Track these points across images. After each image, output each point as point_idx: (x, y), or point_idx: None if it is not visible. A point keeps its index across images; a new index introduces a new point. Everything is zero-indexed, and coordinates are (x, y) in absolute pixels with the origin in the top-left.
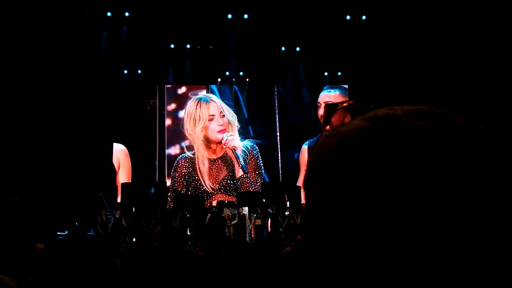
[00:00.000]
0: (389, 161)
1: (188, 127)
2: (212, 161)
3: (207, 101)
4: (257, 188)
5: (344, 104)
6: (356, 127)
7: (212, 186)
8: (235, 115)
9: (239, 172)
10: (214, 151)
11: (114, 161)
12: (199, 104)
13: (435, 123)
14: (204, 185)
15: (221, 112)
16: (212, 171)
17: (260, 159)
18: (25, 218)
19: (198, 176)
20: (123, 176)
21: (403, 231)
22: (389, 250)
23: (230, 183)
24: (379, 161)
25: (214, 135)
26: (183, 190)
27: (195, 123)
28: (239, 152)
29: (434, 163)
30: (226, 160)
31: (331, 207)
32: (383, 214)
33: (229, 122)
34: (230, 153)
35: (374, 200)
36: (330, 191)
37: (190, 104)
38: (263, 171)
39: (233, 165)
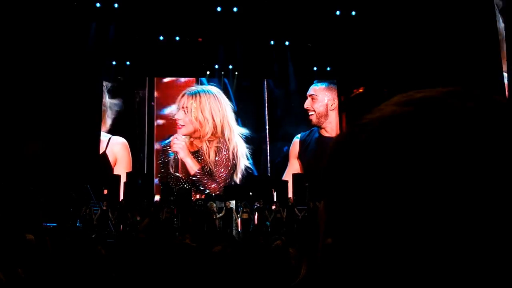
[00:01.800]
0: (444, 147)
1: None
2: (191, 153)
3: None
4: (220, 181)
5: (360, 91)
6: (392, 113)
7: (184, 180)
8: (208, 122)
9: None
10: (192, 144)
11: (110, 154)
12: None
13: (481, 104)
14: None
15: (186, 107)
16: (184, 165)
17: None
18: (17, 209)
19: (173, 169)
20: (121, 169)
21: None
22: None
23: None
24: (432, 149)
25: None
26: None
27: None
28: (179, 156)
29: (493, 145)
30: (199, 154)
31: (371, 207)
32: (443, 206)
33: (200, 124)
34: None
35: (429, 192)
36: (367, 189)
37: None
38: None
39: (205, 160)
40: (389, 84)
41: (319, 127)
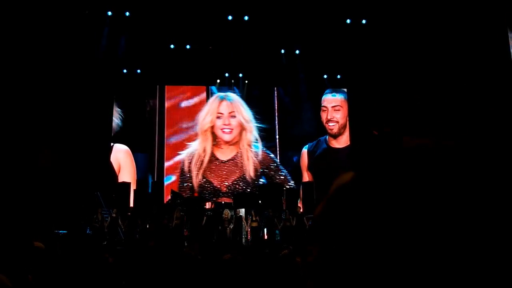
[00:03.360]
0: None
1: (199, 118)
2: (222, 162)
3: (221, 98)
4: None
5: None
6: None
7: (219, 189)
8: (253, 121)
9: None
10: (224, 152)
11: (114, 161)
12: (215, 100)
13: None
14: (210, 185)
15: (231, 112)
16: (221, 172)
17: (275, 158)
18: (26, 215)
19: (205, 175)
20: (125, 176)
21: None
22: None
23: (240, 187)
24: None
25: (219, 133)
26: (188, 188)
27: (204, 116)
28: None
29: None
30: (236, 163)
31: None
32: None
33: (241, 126)
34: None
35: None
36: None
37: (211, 98)
38: (279, 167)
39: (245, 168)
40: (399, 92)
41: (334, 136)
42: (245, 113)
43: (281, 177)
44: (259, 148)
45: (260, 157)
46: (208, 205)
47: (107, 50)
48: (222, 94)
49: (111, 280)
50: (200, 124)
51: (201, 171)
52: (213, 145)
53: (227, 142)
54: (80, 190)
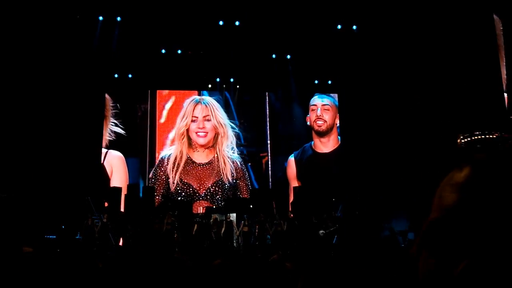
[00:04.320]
0: None
1: (177, 122)
2: (199, 165)
3: (196, 101)
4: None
5: None
6: None
7: (198, 191)
8: (227, 126)
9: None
10: (200, 155)
11: (107, 167)
12: (190, 103)
13: None
14: (189, 187)
15: (205, 116)
16: (200, 176)
17: (246, 170)
18: (14, 219)
19: (182, 177)
20: (117, 182)
21: None
22: None
23: (218, 190)
24: None
25: (194, 137)
26: (163, 190)
27: (181, 119)
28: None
29: None
30: (213, 167)
31: None
32: None
33: (216, 129)
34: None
35: None
36: None
37: (186, 101)
38: (248, 180)
39: (222, 172)
40: (389, 97)
41: (321, 133)
42: (219, 117)
43: (243, 190)
44: (235, 157)
45: (236, 164)
46: (200, 209)
47: (99, 54)
48: (197, 97)
49: (100, 286)
50: (177, 128)
51: (178, 173)
52: (189, 148)
53: (202, 146)
54: (71, 195)
